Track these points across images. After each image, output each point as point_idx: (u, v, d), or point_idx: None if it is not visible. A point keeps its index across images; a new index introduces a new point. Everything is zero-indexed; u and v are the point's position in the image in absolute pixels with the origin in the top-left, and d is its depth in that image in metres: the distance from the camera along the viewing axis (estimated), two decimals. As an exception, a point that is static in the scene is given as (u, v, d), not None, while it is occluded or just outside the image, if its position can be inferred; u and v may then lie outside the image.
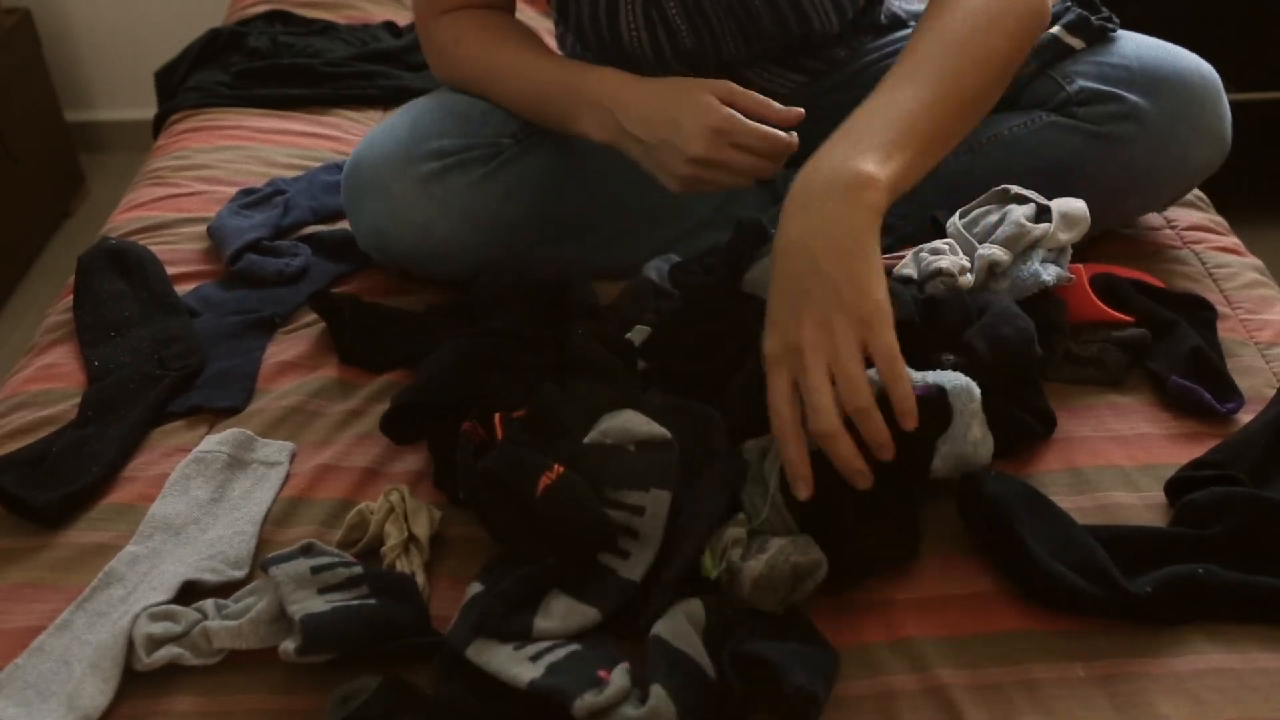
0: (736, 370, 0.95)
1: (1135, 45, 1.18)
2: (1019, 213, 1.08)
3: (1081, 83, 1.17)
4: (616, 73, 1.09)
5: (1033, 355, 0.97)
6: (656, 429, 0.87)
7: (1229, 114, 1.17)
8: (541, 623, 0.81)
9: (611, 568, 0.84)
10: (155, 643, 0.81)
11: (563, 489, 0.84)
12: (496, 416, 0.92)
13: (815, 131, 1.33)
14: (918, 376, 0.89)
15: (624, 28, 1.21)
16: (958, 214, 1.12)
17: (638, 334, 1.03)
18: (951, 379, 0.90)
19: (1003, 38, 0.98)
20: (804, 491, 0.83)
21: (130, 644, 0.81)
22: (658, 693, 0.73)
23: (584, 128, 1.10)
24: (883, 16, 1.34)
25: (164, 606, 0.83)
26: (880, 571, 0.86)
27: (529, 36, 1.20)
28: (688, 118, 1.00)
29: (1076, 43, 1.19)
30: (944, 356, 0.95)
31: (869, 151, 0.88)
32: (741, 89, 1.03)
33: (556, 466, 0.85)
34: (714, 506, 0.84)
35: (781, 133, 1.01)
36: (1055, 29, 1.20)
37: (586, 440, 0.89)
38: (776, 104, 1.03)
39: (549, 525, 0.84)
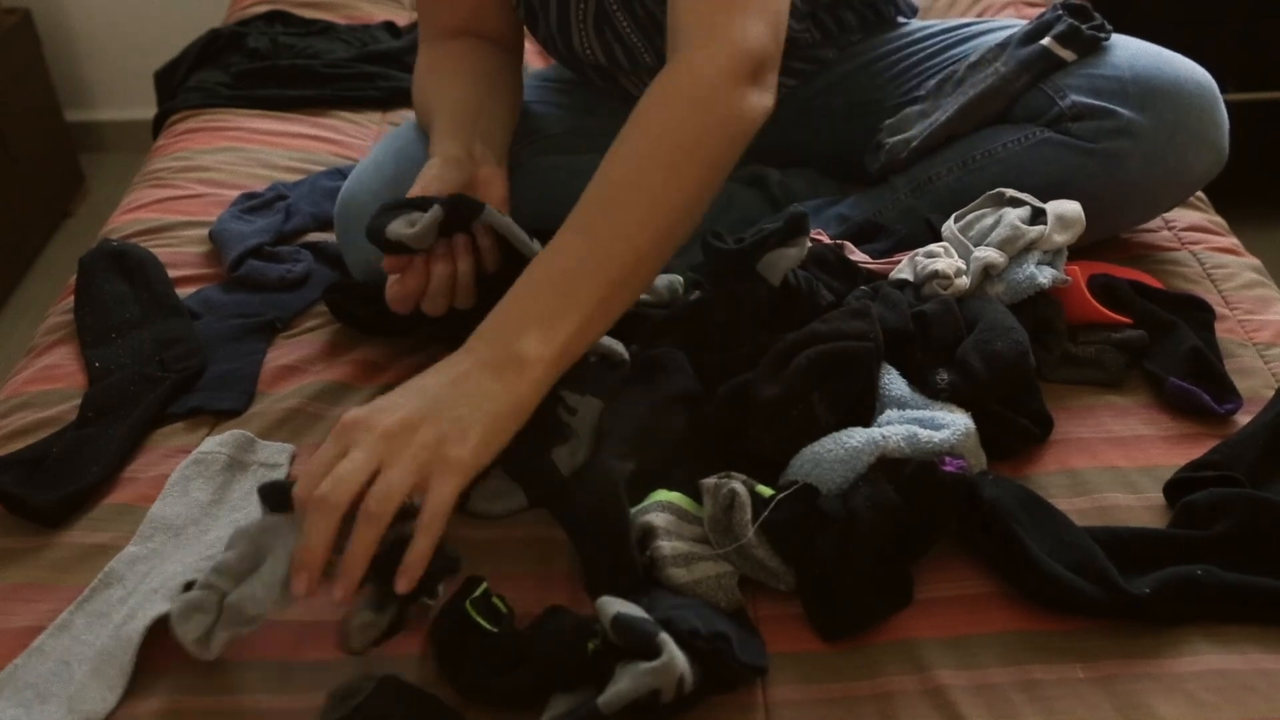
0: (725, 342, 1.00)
1: (1129, 54, 1.15)
2: (1014, 215, 1.08)
3: (1074, 97, 1.14)
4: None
5: (1028, 369, 0.97)
6: (618, 347, 0.98)
7: (1226, 122, 1.14)
8: (475, 504, 0.95)
9: (552, 460, 0.94)
10: (205, 635, 0.78)
11: None
12: None
13: (808, 133, 1.34)
14: (942, 436, 0.89)
15: (577, 45, 1.20)
16: (953, 218, 1.12)
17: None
18: (959, 433, 0.90)
19: (691, 173, 0.91)
20: (302, 587, 0.75)
21: (137, 648, 0.81)
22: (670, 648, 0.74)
23: None
24: (870, 14, 1.33)
25: (183, 607, 0.80)
26: (872, 624, 0.84)
27: (465, 97, 1.14)
28: None
29: (1068, 55, 1.16)
30: (939, 376, 0.95)
31: (533, 328, 0.85)
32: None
33: None
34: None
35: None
36: (1045, 40, 1.17)
37: None
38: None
39: None
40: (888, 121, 1.26)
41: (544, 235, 1.13)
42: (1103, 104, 1.12)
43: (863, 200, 1.25)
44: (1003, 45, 1.21)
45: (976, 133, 1.19)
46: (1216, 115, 1.13)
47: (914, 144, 1.22)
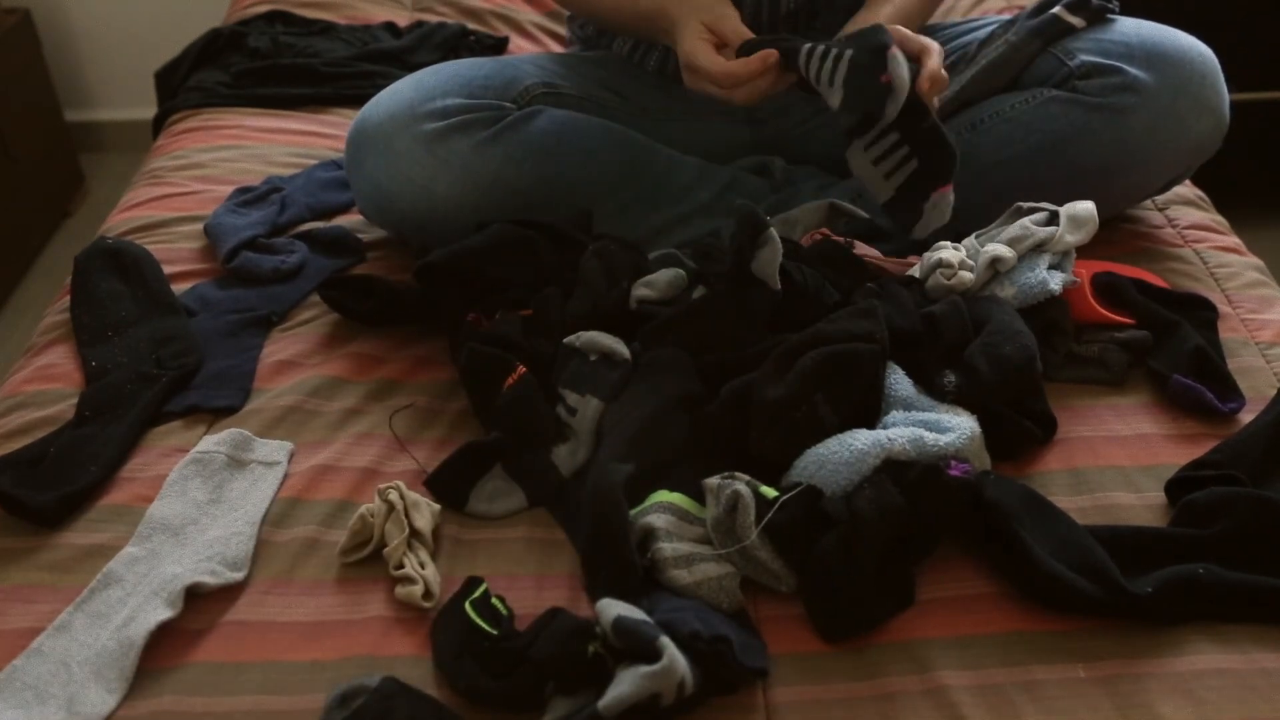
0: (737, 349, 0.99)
1: (1135, 25, 1.21)
2: (1028, 218, 1.08)
3: (1083, 57, 1.19)
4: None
5: (1035, 374, 0.97)
6: (620, 347, 1.00)
7: (1226, 92, 1.19)
8: (475, 504, 0.95)
9: (551, 461, 0.96)
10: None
11: (520, 390, 0.98)
12: (496, 314, 1.08)
13: (818, 121, 1.35)
14: (947, 440, 0.89)
15: None
16: (973, 235, 1.12)
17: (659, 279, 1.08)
18: (964, 437, 0.90)
19: None
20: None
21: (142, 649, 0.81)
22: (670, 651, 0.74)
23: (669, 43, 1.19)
24: None
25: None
26: (874, 626, 0.84)
27: None
28: (680, 53, 1.13)
29: (1077, 21, 1.22)
30: (945, 378, 0.95)
31: None
32: (729, 19, 1.12)
33: (519, 368, 0.99)
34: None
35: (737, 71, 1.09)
36: (1056, 9, 1.23)
37: (565, 340, 1.02)
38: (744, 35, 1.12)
39: (505, 418, 0.97)
40: None
41: (546, 231, 1.14)
42: (1110, 62, 1.17)
43: None
44: (1011, 21, 1.27)
45: (985, 100, 1.23)
46: (1218, 84, 1.18)
47: None
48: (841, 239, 1.13)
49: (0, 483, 0.94)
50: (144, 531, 0.91)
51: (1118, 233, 1.28)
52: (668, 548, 0.84)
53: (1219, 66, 1.18)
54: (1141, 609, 0.82)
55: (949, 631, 0.83)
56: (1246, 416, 1.01)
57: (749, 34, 1.11)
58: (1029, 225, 1.07)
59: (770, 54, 1.07)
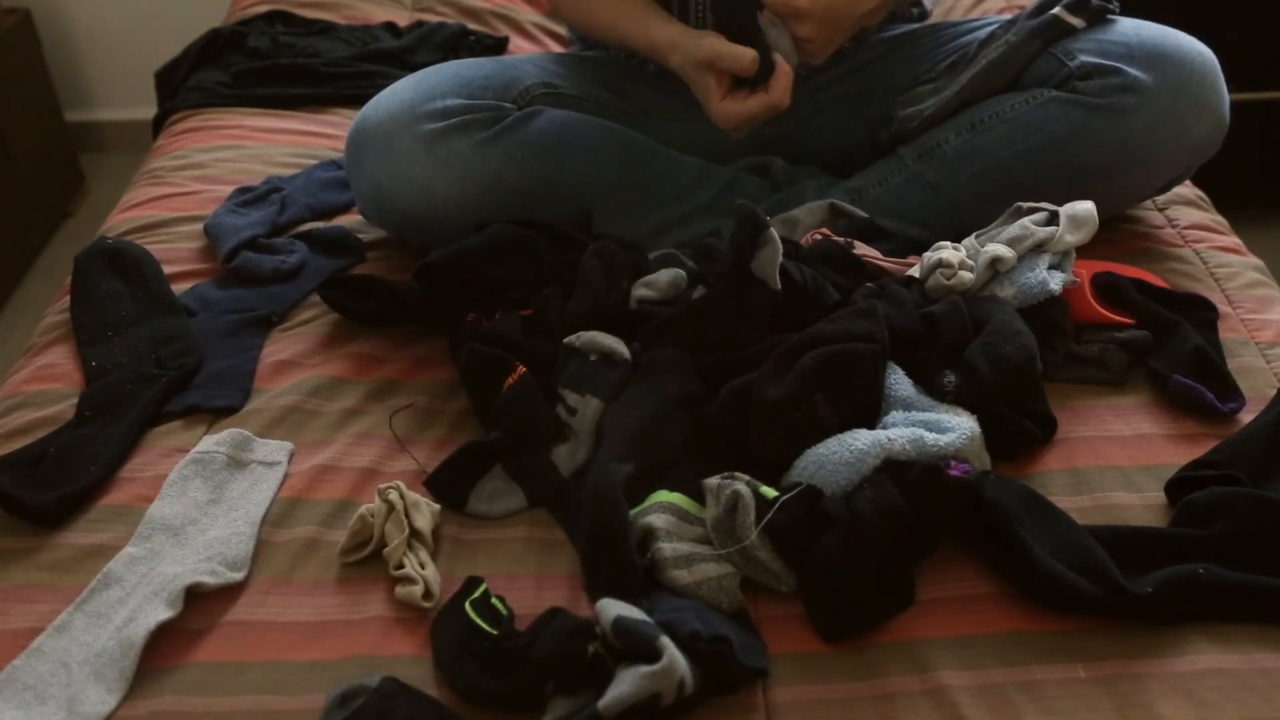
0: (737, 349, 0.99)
1: (1135, 26, 1.21)
2: (1027, 218, 1.08)
3: (1083, 58, 1.19)
4: (667, 32, 1.20)
5: (1035, 373, 0.97)
6: (620, 347, 1.00)
7: (1226, 92, 1.19)
8: (475, 504, 0.95)
9: (552, 461, 0.96)
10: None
11: (520, 390, 0.98)
12: (496, 314, 1.09)
13: (819, 120, 1.35)
14: (947, 440, 0.89)
15: None
16: (973, 235, 1.12)
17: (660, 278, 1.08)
18: (964, 437, 0.90)
19: None
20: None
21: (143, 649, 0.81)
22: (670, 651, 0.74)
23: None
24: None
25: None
26: (874, 626, 0.84)
27: None
28: (716, 119, 1.17)
29: (1077, 22, 1.22)
30: (945, 378, 0.95)
31: None
32: (725, 53, 1.13)
33: (519, 368, 0.99)
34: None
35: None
36: (1056, 9, 1.23)
37: (565, 340, 1.02)
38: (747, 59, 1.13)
39: (505, 418, 0.97)
40: (900, 98, 1.29)
41: (546, 231, 1.14)
42: (1110, 63, 1.17)
43: (870, 172, 1.27)
44: (1012, 21, 1.27)
45: (985, 100, 1.23)
46: (1218, 83, 1.18)
47: (926, 114, 1.24)
48: (841, 239, 1.13)
49: (0, 483, 0.94)
50: (144, 531, 0.91)
51: (1118, 233, 1.28)
52: (668, 548, 0.84)
53: (1219, 67, 1.18)
54: (1141, 609, 0.82)
55: (949, 631, 0.83)
56: (1246, 416, 1.01)
57: (741, 49, 1.12)
58: (1029, 225, 1.07)
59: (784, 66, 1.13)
